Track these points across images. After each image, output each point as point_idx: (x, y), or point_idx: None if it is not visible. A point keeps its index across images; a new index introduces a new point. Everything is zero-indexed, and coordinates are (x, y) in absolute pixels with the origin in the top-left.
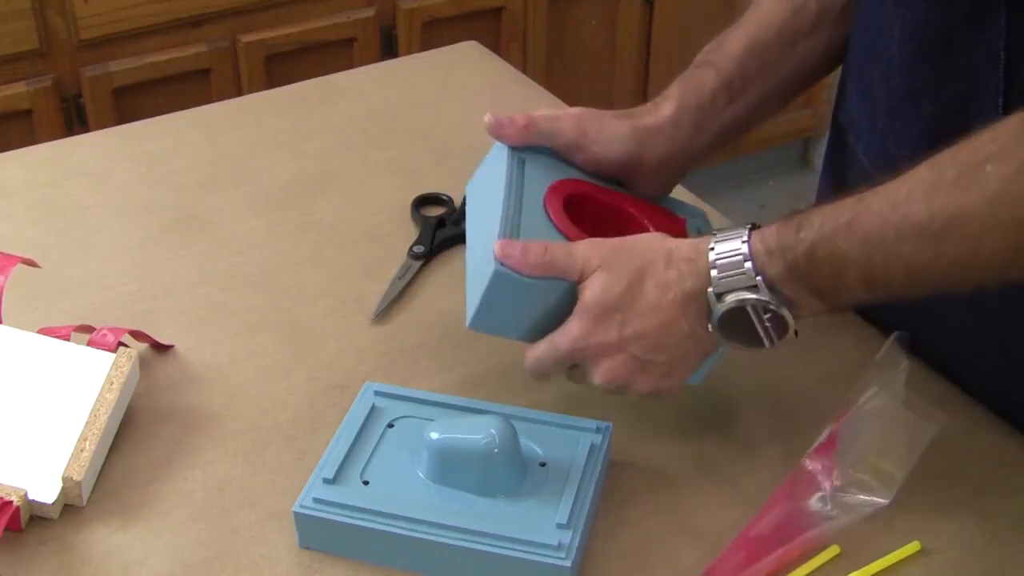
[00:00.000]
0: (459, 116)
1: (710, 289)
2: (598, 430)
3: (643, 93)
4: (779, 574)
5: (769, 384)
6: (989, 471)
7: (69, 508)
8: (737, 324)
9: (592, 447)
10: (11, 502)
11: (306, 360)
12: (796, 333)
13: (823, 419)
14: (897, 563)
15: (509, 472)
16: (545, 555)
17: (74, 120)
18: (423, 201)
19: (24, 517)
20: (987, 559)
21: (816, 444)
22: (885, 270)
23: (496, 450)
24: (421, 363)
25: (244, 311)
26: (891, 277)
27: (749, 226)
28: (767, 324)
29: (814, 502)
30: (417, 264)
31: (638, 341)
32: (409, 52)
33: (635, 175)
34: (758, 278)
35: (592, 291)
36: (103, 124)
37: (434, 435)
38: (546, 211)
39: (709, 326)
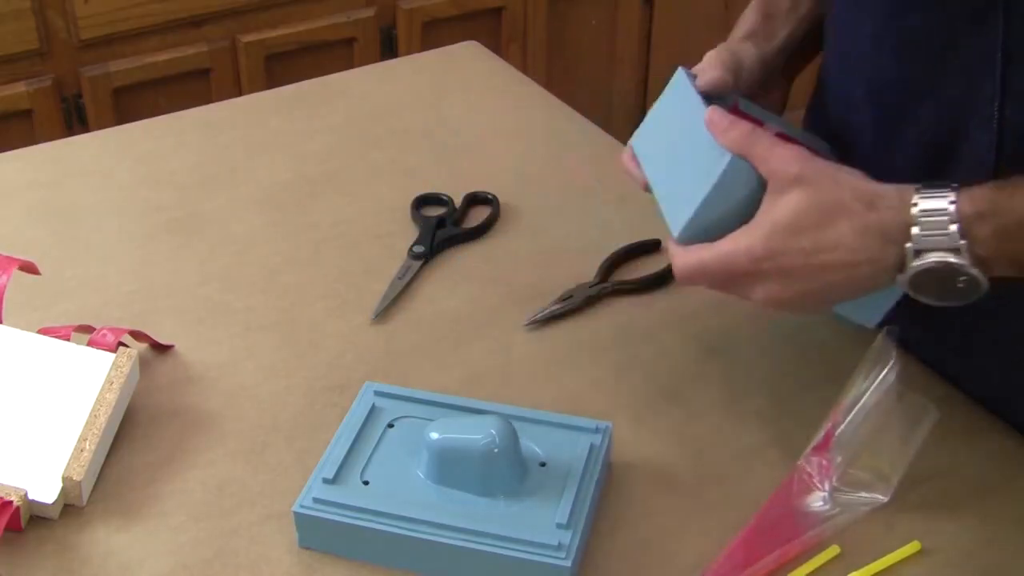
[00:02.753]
0: (459, 116)
1: (908, 244)
2: (598, 430)
3: (643, 93)
4: (779, 574)
5: (769, 384)
6: (989, 471)
7: (69, 508)
8: (929, 282)
9: (592, 447)
10: (11, 502)
11: (306, 360)
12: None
13: (822, 418)
14: (897, 563)
15: (509, 472)
16: (545, 555)
17: (74, 120)
18: (423, 201)
19: (24, 517)
20: (987, 559)
21: (812, 444)
22: None
23: (496, 450)
24: (421, 363)
25: (244, 311)
26: None
27: (956, 185)
28: (960, 285)
29: (813, 502)
30: (417, 264)
31: (821, 275)
32: (409, 52)
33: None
34: (962, 242)
35: (786, 206)
36: (103, 124)
37: (434, 435)
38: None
39: (897, 277)
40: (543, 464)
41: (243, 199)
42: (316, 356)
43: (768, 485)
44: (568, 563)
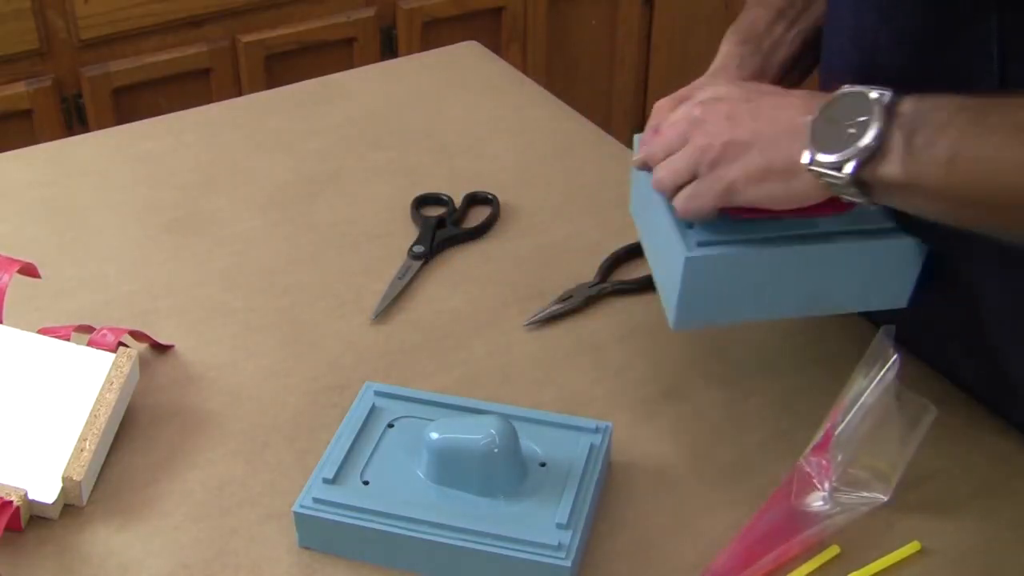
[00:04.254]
0: (459, 116)
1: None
2: (598, 430)
3: (643, 93)
4: (779, 574)
5: (769, 384)
6: (989, 471)
7: (69, 508)
8: (840, 110)
9: (592, 447)
10: (11, 502)
11: (306, 360)
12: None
13: (822, 418)
14: (897, 563)
15: (509, 472)
16: (545, 555)
17: (74, 120)
18: (423, 201)
19: (24, 517)
20: (987, 559)
21: (812, 444)
22: (975, 150)
23: (496, 450)
24: (421, 363)
25: (244, 311)
26: (976, 161)
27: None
28: (861, 119)
29: (813, 502)
30: (417, 264)
31: (751, 90)
32: (409, 52)
33: None
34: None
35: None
36: (103, 124)
37: (434, 435)
38: None
39: (817, 109)
40: (543, 464)
41: (243, 199)
42: (316, 356)
43: (768, 485)
44: (568, 563)
